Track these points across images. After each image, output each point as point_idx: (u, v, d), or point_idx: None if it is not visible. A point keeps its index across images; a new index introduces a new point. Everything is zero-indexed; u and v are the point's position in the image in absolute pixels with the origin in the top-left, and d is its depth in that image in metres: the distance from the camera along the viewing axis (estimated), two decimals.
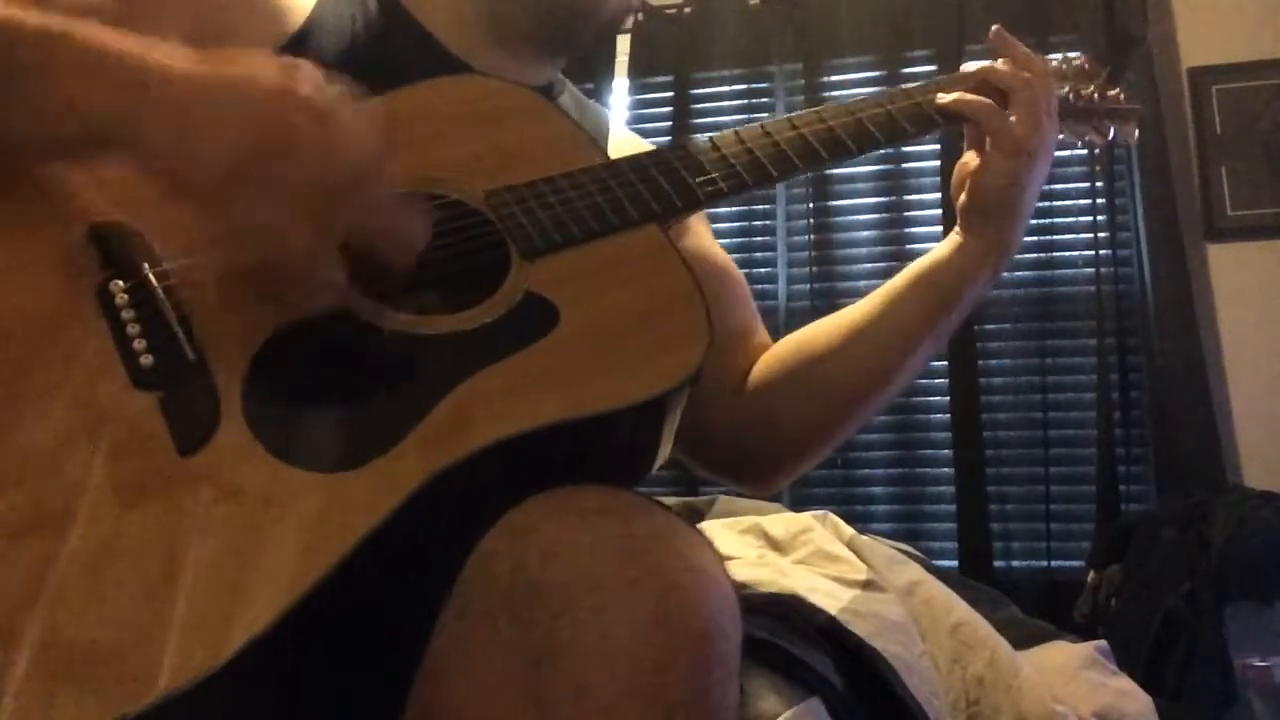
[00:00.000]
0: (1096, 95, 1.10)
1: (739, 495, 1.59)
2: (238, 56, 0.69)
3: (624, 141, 1.08)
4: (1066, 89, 1.08)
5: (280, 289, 0.70)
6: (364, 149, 0.69)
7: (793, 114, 0.96)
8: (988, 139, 0.97)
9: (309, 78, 0.68)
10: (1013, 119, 0.95)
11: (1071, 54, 1.13)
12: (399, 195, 0.73)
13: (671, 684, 0.56)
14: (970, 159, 0.99)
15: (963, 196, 0.98)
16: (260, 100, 0.67)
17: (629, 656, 0.56)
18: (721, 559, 0.64)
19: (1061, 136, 1.11)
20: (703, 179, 0.89)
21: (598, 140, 0.98)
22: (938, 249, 1.01)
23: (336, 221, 0.69)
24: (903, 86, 1.01)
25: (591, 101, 1.11)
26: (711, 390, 0.96)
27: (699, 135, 0.94)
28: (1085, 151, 1.12)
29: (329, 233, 0.68)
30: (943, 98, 0.98)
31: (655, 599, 0.58)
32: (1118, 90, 1.11)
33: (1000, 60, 1.00)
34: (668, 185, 0.87)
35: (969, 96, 0.97)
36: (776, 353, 1.04)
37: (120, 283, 0.71)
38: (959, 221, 1.00)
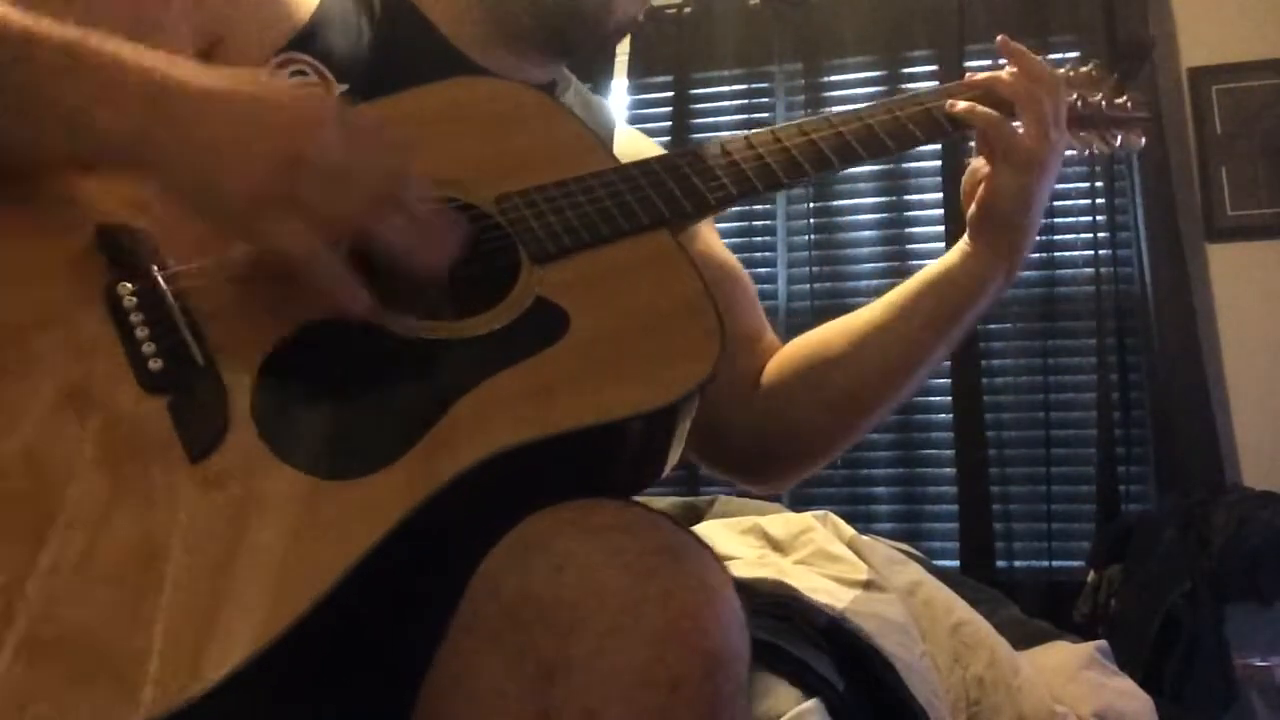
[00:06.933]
0: (1104, 103, 1.09)
1: (740, 495, 1.59)
2: (255, 75, 0.70)
3: (628, 138, 1.08)
4: (1074, 96, 1.07)
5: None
6: (383, 170, 0.70)
7: (802, 120, 0.96)
8: (998, 151, 0.96)
9: (326, 102, 0.69)
10: (1022, 132, 0.95)
11: (1078, 59, 1.12)
12: (433, 209, 0.73)
13: (682, 705, 0.56)
14: (980, 166, 0.98)
15: (972, 207, 0.98)
16: (282, 126, 0.67)
17: (639, 677, 0.56)
18: (729, 575, 0.63)
19: (1070, 150, 1.11)
20: (712, 183, 0.89)
21: (605, 140, 0.98)
22: (948, 256, 1.00)
23: (355, 237, 0.69)
24: (911, 93, 1.01)
25: (596, 97, 1.10)
26: (725, 392, 0.95)
27: (708, 139, 0.94)
28: (1085, 152, 1.11)
29: (341, 247, 0.69)
30: (953, 105, 0.97)
31: (666, 619, 0.57)
32: (1125, 99, 1.10)
33: (1006, 70, 0.99)
34: (677, 189, 0.86)
35: (980, 108, 0.96)
36: (789, 355, 1.04)
37: (128, 285, 0.70)
38: (970, 231, 0.99)
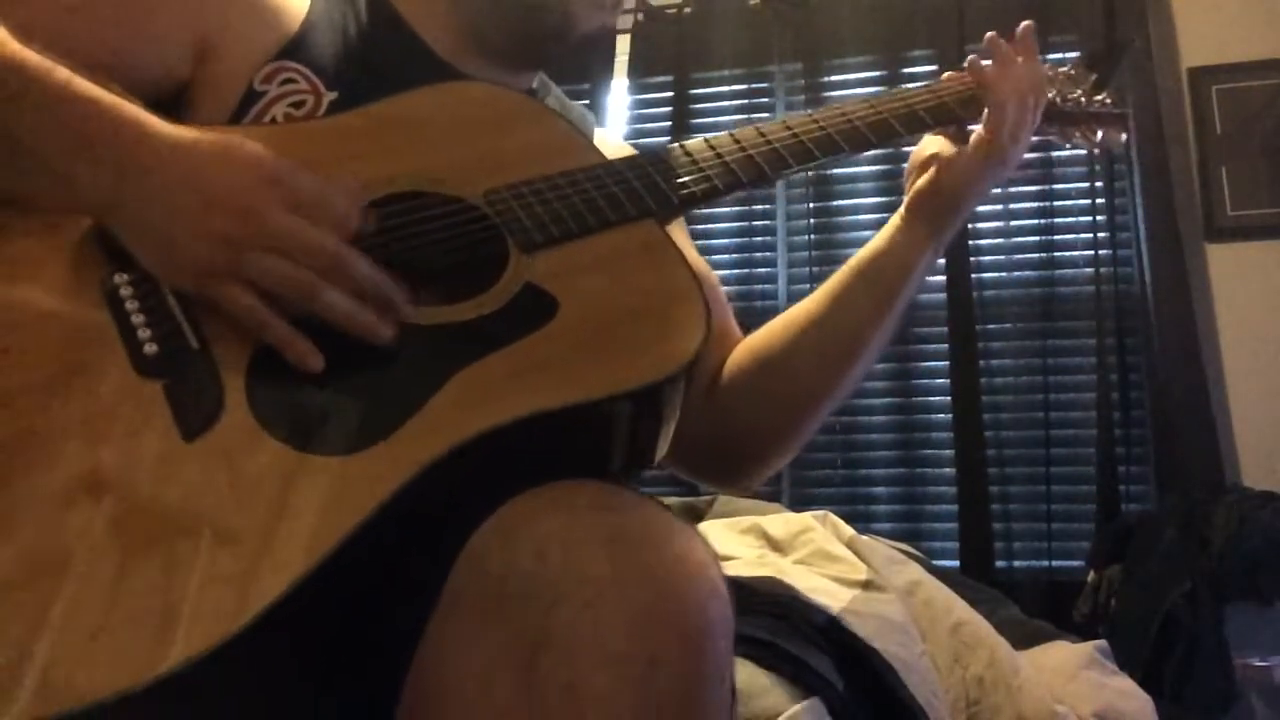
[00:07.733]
0: (1084, 100, 1.11)
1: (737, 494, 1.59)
2: (215, 141, 0.73)
3: (608, 145, 1.08)
4: (1054, 93, 1.09)
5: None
6: (320, 247, 0.72)
7: (787, 116, 0.98)
8: (977, 137, 0.98)
9: (279, 177, 0.73)
10: (1005, 127, 0.97)
11: (1059, 59, 1.15)
12: (377, 280, 0.74)
13: (663, 680, 0.57)
14: (931, 146, 1.00)
15: (922, 181, 0.99)
16: (232, 204, 0.71)
17: (620, 652, 0.56)
18: (715, 554, 0.64)
19: (1052, 137, 1.13)
20: (698, 176, 0.90)
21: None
22: (877, 239, 1.02)
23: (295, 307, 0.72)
24: (905, 87, 1.04)
25: (575, 104, 1.12)
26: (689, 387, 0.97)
27: (696, 137, 0.95)
28: (1085, 152, 1.13)
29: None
30: (964, 80, 1.00)
31: (648, 595, 0.58)
32: (1105, 95, 1.12)
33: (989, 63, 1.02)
34: (663, 183, 0.88)
35: (996, 84, 0.99)
36: (740, 355, 1.04)
37: (124, 275, 0.73)
38: (908, 207, 1.01)
